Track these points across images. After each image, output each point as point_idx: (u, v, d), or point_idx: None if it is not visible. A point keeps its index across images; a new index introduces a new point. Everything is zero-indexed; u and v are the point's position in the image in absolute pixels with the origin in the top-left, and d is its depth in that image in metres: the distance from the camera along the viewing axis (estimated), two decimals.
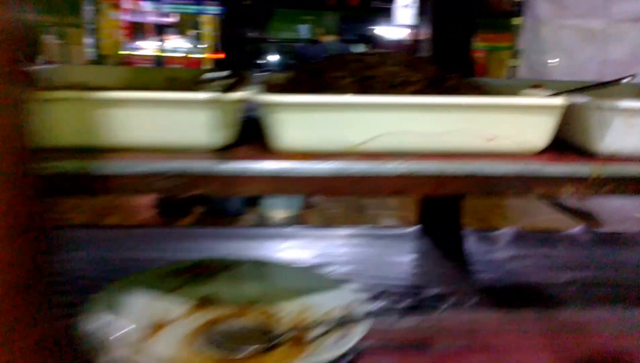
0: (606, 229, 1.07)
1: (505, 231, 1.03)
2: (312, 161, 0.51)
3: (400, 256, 0.88)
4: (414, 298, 0.71)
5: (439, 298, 0.73)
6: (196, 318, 0.63)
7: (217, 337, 0.59)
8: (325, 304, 0.64)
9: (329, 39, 4.64)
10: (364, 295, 0.65)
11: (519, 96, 0.58)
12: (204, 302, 0.66)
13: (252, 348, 0.57)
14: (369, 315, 0.61)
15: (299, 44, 5.32)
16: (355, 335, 0.57)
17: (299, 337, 0.59)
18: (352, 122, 0.52)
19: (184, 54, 9.84)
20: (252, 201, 2.38)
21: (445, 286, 0.75)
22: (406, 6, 4.51)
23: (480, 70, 7.82)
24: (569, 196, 0.53)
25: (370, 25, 5.42)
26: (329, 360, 0.54)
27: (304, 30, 5.53)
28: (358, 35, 5.14)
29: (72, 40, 9.74)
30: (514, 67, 5.76)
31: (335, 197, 2.29)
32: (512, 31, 6.00)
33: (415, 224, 1.01)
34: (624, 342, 0.63)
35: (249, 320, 0.64)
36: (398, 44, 5.29)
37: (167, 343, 0.58)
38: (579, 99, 0.54)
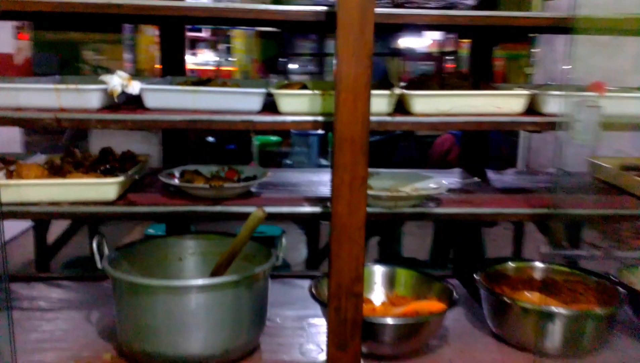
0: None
1: (511, 170, 1.91)
2: (427, 117, 1.38)
3: (455, 179, 1.77)
4: (463, 188, 1.58)
5: (476, 189, 1.60)
6: None
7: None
8: (425, 185, 1.51)
9: None
10: (442, 183, 1.52)
11: (511, 90, 1.45)
12: None
13: (399, 192, 1.44)
14: (444, 188, 1.48)
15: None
16: (439, 194, 1.45)
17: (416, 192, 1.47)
18: (443, 102, 1.39)
19: (215, 67, 10.66)
20: None
21: (478, 186, 1.62)
22: None
23: (500, 76, 8.64)
24: (529, 131, 1.40)
25: (400, 39, 6.30)
26: (429, 194, 1.42)
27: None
28: (389, 48, 6.01)
29: (112, 55, 10.72)
30: (531, 74, 6.59)
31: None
32: (529, 41, 6.80)
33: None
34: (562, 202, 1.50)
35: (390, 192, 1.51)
36: (427, 56, 6.16)
37: None
38: (533, 91, 1.41)
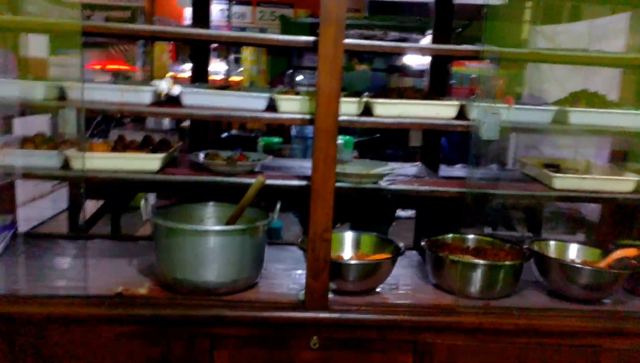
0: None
1: (460, 165, 2.49)
2: (384, 118, 1.96)
3: (414, 170, 2.35)
4: (416, 174, 2.17)
5: (425, 176, 2.18)
6: None
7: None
8: (381, 169, 2.10)
9: (361, 67, 6.04)
10: (394, 167, 2.11)
11: (447, 101, 2.03)
12: None
13: (375, 172, 2.02)
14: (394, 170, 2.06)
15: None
16: (390, 173, 2.03)
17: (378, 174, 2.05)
18: (396, 108, 1.97)
19: (224, 76, 11.28)
20: None
21: (428, 174, 2.20)
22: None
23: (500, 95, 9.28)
24: (460, 131, 1.98)
25: (399, 57, 6.93)
26: (383, 172, 2.01)
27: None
28: (388, 65, 6.63)
29: (127, 62, 11.35)
30: (520, 93, 7.22)
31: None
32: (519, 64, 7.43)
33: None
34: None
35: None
36: (421, 73, 6.77)
37: None
38: (461, 102, 1.99)
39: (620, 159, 2.73)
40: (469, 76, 9.97)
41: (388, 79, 6.77)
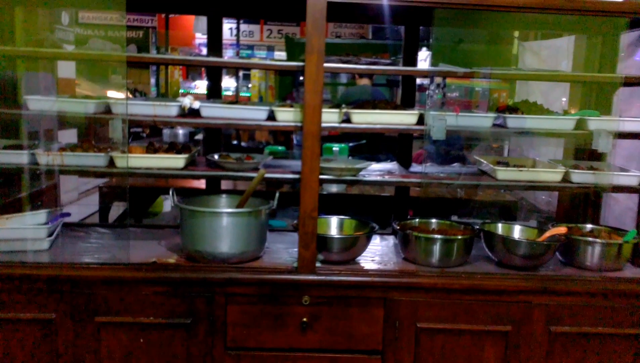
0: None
1: (430, 163, 3.08)
2: (360, 124, 2.56)
3: (390, 166, 2.94)
4: (390, 170, 2.75)
5: (396, 171, 2.77)
6: None
7: None
8: (359, 164, 2.69)
9: (363, 82, 6.65)
10: (370, 163, 2.69)
11: (409, 111, 2.62)
12: None
13: (353, 166, 2.61)
14: (369, 166, 2.65)
15: (341, 86, 7.51)
16: (366, 168, 2.62)
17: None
18: (368, 116, 2.56)
19: (233, 94, 11.98)
20: None
21: (399, 170, 2.79)
22: (425, 60, 6.58)
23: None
24: (418, 134, 2.58)
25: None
26: (359, 167, 2.61)
27: (344, 76, 7.69)
28: (387, 80, 7.25)
29: (140, 79, 12.07)
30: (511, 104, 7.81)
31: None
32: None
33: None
34: None
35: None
36: (419, 87, 7.40)
37: None
38: (420, 111, 2.58)
39: (575, 157, 3.25)
40: (473, 88, 10.65)
41: (390, 93, 7.42)
